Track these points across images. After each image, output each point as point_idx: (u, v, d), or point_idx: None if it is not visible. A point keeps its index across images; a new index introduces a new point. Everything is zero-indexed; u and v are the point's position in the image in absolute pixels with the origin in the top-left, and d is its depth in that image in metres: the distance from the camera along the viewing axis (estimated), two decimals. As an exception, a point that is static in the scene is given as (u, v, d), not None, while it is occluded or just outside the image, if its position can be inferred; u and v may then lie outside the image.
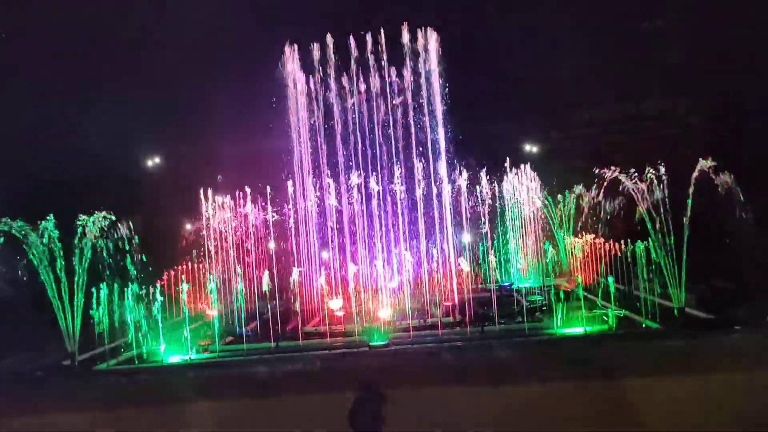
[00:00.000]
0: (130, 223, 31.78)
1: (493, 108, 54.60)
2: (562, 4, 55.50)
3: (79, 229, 29.25)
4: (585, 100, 56.96)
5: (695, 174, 28.97)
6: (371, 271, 37.81)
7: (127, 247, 31.05)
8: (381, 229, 39.34)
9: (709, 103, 51.64)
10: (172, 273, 37.09)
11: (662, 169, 30.50)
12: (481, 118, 53.32)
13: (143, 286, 30.40)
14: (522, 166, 45.41)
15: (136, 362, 28.66)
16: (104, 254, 30.41)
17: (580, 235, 40.84)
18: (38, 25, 51.52)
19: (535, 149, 58.15)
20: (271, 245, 44.10)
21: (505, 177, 45.34)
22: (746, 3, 46.97)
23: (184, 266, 38.92)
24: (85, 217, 29.57)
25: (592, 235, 38.71)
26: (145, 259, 32.35)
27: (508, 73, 52.59)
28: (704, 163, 28.77)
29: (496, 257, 42.98)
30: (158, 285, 31.23)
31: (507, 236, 45.80)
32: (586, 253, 39.20)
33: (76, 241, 29.02)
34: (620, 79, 55.89)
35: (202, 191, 40.96)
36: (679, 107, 56.79)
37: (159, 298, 30.13)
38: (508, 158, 44.79)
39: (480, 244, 44.30)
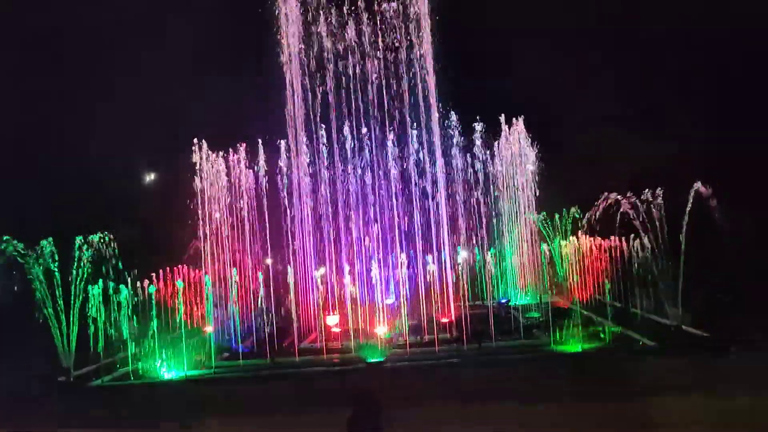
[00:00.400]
0: (125, 235, 31.88)
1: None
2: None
3: (76, 252, 29.47)
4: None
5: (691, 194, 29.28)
6: (368, 288, 37.87)
7: (120, 266, 31.10)
8: (377, 236, 39.27)
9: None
10: (169, 285, 37.10)
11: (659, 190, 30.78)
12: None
13: (137, 299, 30.53)
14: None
15: (132, 378, 28.55)
16: (101, 268, 30.56)
17: (576, 253, 40.93)
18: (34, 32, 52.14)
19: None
20: (268, 260, 44.12)
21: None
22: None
23: (181, 277, 39.07)
24: (80, 238, 29.80)
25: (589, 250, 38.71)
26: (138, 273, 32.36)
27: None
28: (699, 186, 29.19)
29: (493, 272, 43.04)
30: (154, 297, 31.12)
31: (504, 252, 45.78)
32: (583, 270, 39.26)
33: (75, 255, 29.16)
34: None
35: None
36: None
37: (154, 311, 30.13)
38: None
39: (477, 257, 44.45)
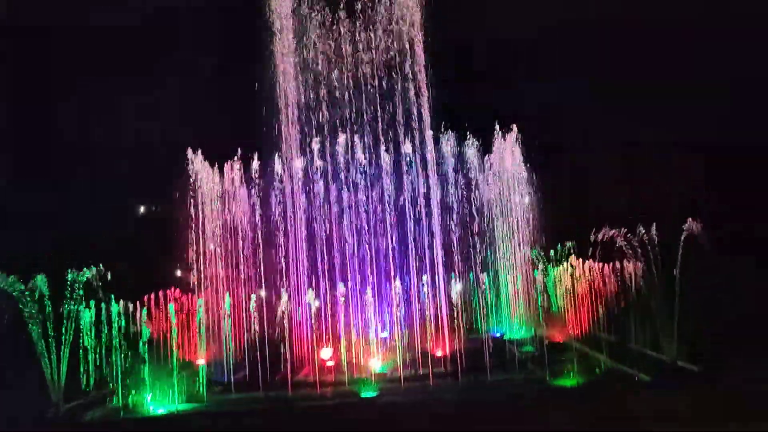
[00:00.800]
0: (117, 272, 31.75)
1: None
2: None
3: (67, 291, 29.38)
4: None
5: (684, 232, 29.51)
6: (362, 321, 37.69)
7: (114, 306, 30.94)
8: (372, 269, 39.24)
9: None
10: (162, 319, 36.82)
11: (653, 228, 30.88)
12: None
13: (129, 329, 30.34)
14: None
15: (122, 413, 28.14)
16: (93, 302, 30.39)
17: (571, 284, 40.91)
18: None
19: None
20: (262, 293, 43.95)
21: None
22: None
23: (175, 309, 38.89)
24: (73, 273, 29.72)
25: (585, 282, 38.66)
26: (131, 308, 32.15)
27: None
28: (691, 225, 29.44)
29: (487, 306, 42.92)
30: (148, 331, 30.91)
31: (498, 284, 45.56)
32: (577, 303, 39.22)
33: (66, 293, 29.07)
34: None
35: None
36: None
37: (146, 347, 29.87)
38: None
39: (473, 291, 44.28)
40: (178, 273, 44.20)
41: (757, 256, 38.11)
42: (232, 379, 32.91)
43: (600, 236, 33.82)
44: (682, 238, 29.61)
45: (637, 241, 31.32)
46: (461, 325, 37.92)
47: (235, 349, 38.43)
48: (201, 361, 36.26)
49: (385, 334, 38.76)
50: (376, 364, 33.20)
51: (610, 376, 29.42)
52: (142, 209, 62.13)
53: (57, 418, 27.34)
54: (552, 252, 44.58)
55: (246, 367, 35.50)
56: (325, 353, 36.08)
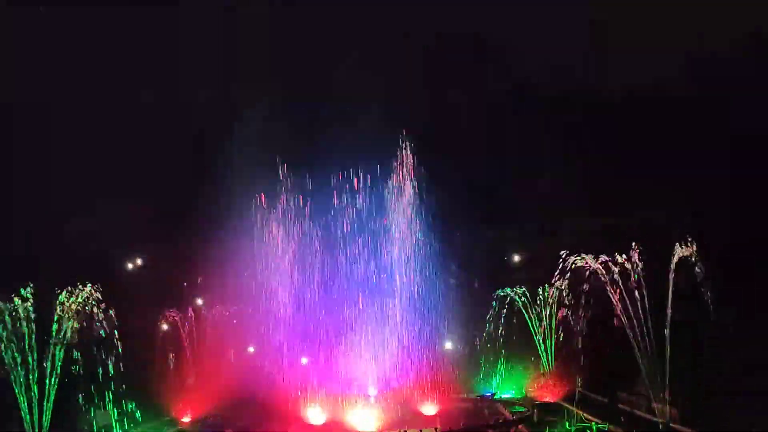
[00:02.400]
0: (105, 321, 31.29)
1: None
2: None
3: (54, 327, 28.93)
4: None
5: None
6: (351, 380, 37.23)
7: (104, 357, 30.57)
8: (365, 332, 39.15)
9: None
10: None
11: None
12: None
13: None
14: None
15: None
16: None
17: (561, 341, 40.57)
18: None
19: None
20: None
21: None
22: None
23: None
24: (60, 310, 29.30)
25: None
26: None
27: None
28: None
29: (480, 367, 42.64)
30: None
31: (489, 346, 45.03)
32: (567, 360, 38.97)
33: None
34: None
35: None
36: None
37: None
38: None
39: (465, 351, 43.93)
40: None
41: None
42: None
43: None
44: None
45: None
46: (452, 384, 37.55)
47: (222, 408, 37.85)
48: (186, 419, 35.57)
49: (374, 392, 38.21)
50: (364, 423, 32.61)
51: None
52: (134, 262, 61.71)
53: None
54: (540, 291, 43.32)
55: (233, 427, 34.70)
56: (313, 414, 35.37)
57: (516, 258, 55.77)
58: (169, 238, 53.84)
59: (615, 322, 30.81)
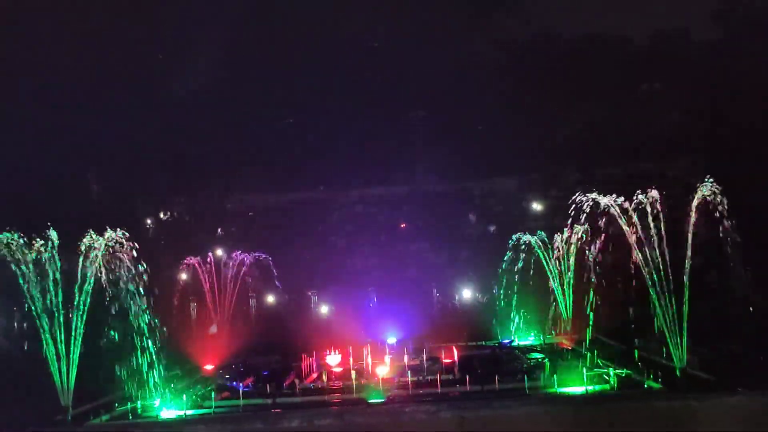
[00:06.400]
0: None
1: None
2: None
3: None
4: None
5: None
6: (371, 327, 37.67)
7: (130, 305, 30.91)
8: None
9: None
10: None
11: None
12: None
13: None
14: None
15: (131, 417, 28.16)
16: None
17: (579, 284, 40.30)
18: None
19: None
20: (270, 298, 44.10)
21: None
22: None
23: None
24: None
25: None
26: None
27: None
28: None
29: (497, 313, 42.78)
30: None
31: (508, 292, 44.99)
32: (586, 307, 38.91)
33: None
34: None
35: None
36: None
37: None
38: None
39: (483, 298, 44.08)
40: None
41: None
42: (241, 386, 32.88)
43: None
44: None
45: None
46: (470, 332, 37.87)
47: (244, 356, 38.66)
48: (209, 367, 36.39)
49: (393, 340, 38.73)
50: (383, 370, 33.11)
51: (620, 383, 29.14)
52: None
53: (65, 422, 27.30)
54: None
55: (255, 373, 35.54)
56: (332, 359, 36.04)
57: (535, 206, 55.47)
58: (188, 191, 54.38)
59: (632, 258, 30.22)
